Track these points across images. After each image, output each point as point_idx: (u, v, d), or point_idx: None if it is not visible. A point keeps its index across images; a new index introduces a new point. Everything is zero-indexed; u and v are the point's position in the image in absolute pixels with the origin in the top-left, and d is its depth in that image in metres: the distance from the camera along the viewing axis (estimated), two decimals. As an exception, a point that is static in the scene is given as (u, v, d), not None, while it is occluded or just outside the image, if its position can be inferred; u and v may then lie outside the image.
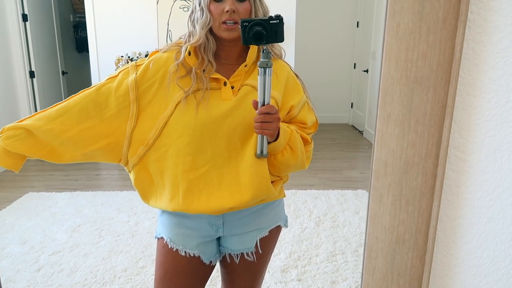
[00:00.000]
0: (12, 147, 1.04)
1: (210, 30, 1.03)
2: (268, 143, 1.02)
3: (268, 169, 1.06)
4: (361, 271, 2.17)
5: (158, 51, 1.09)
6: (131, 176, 1.14)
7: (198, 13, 1.02)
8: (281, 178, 1.14)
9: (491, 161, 0.64)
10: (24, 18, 4.12)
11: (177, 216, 1.12)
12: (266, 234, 1.17)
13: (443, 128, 0.61)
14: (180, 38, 1.08)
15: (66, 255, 2.37)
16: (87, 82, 5.44)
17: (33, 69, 4.25)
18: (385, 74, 0.59)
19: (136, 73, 1.05)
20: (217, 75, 1.04)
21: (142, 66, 1.06)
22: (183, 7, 3.93)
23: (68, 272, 2.20)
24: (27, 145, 1.06)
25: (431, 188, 0.62)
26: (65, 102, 1.06)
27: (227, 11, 0.98)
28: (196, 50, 1.04)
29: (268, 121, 0.95)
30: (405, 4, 0.56)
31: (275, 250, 1.33)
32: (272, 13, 0.97)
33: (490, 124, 0.63)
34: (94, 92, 1.06)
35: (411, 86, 0.58)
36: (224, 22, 0.99)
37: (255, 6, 1.02)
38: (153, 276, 2.15)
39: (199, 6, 1.02)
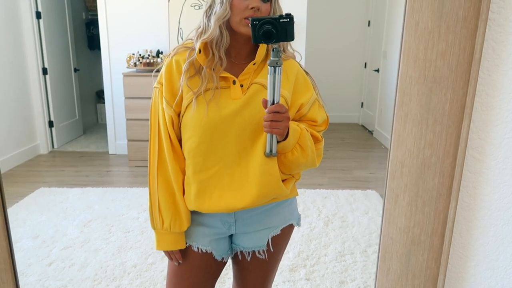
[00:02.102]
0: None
1: (226, 26, 1.02)
2: (278, 142, 1.01)
3: (279, 167, 1.06)
4: (369, 271, 2.15)
5: (167, 57, 1.09)
6: None
7: (217, 6, 1.00)
8: (293, 176, 1.14)
9: (509, 162, 0.63)
10: (38, 15, 4.16)
11: (190, 213, 1.13)
12: (278, 233, 1.17)
13: (461, 129, 0.60)
14: (189, 39, 1.08)
15: (77, 250, 2.40)
16: (98, 79, 5.48)
17: (46, 66, 4.30)
18: (403, 73, 0.58)
19: (164, 98, 1.06)
20: (226, 74, 1.03)
21: (164, 86, 1.06)
22: (194, 5, 3.94)
23: (78, 267, 2.23)
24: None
25: (448, 189, 0.62)
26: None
27: (252, 8, 0.97)
28: (207, 46, 1.03)
29: (278, 120, 0.94)
30: (424, 2, 0.55)
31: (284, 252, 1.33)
32: (284, 12, 0.96)
33: (509, 125, 0.62)
34: (169, 150, 1.08)
35: (430, 86, 0.58)
36: (246, 18, 0.98)
37: (273, 9, 1.02)
38: (162, 273, 2.17)
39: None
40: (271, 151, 1.01)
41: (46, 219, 2.80)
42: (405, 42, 0.58)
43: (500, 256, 0.66)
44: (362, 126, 5.76)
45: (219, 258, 1.16)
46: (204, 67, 1.02)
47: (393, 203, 0.62)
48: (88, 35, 5.75)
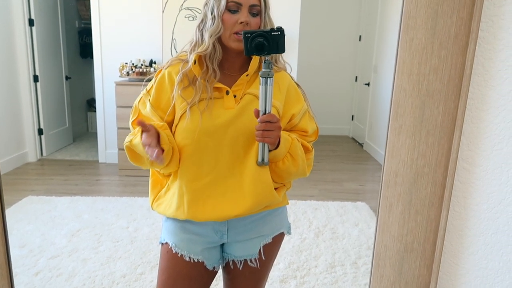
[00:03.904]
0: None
1: (218, 40, 1.05)
2: (269, 151, 1.04)
3: (271, 176, 1.08)
4: (359, 283, 2.16)
5: (161, 70, 1.11)
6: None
7: (209, 22, 1.04)
8: (284, 185, 1.16)
9: (497, 173, 0.66)
10: (31, 22, 4.15)
11: (181, 221, 1.13)
12: (270, 241, 1.18)
13: (453, 140, 0.62)
14: (183, 51, 1.10)
15: (65, 259, 2.36)
16: (89, 88, 5.46)
17: (37, 73, 4.27)
18: (398, 86, 0.61)
19: (149, 100, 1.08)
20: (219, 85, 1.06)
21: (152, 91, 1.09)
22: (188, 17, 3.98)
23: (66, 276, 2.19)
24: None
25: (440, 199, 0.64)
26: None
27: (241, 23, 1.01)
28: (201, 59, 1.06)
29: (269, 129, 0.97)
30: (418, 20, 0.58)
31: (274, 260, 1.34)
32: (275, 26, 1.00)
33: (498, 137, 0.64)
34: None
35: (423, 99, 0.60)
36: (236, 33, 1.02)
37: (264, 22, 1.05)
38: (151, 283, 2.15)
39: (211, 14, 1.03)
40: (263, 159, 1.04)
41: (34, 228, 2.75)
42: (399, 57, 0.60)
43: (489, 264, 0.68)
44: (353, 138, 5.83)
45: (210, 267, 1.16)
46: (198, 78, 1.05)
47: (387, 211, 0.64)
48: (80, 43, 5.75)
